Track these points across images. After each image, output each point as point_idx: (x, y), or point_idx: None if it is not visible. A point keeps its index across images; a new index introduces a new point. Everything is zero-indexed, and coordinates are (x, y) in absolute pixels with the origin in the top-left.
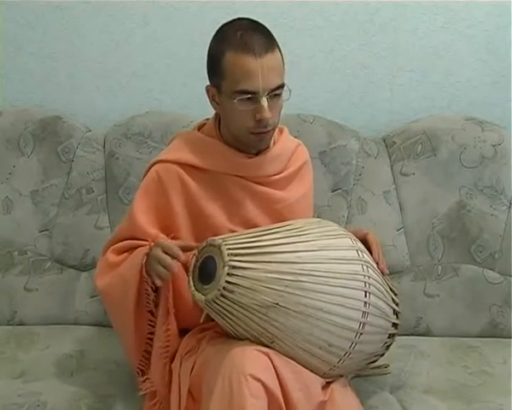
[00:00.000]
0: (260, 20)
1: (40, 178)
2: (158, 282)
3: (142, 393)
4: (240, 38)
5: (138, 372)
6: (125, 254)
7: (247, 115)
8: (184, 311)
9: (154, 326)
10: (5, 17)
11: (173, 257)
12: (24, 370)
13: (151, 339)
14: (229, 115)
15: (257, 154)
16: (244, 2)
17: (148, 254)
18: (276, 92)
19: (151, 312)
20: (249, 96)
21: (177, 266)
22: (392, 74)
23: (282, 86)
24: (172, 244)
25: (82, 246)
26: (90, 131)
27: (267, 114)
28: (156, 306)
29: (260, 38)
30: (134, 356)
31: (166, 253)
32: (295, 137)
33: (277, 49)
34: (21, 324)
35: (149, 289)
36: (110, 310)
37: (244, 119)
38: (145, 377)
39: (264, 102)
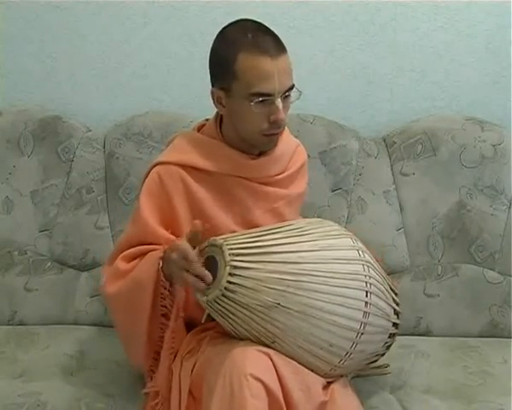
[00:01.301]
0: (260, 20)
1: (40, 178)
2: (184, 285)
3: (145, 391)
4: (252, 40)
5: (150, 375)
6: (136, 261)
7: (261, 117)
8: (188, 306)
9: (165, 330)
10: (5, 17)
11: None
12: (24, 370)
13: (161, 341)
14: (241, 117)
15: (259, 155)
16: (244, 2)
17: (163, 258)
18: (288, 93)
19: (164, 315)
20: (264, 98)
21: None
22: (392, 74)
23: (292, 87)
24: (189, 251)
25: (82, 246)
26: (90, 131)
27: (282, 115)
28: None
29: (272, 40)
30: (144, 359)
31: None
32: (295, 136)
33: (287, 51)
34: (21, 324)
35: (166, 293)
36: (119, 315)
37: (258, 121)
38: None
39: (280, 103)
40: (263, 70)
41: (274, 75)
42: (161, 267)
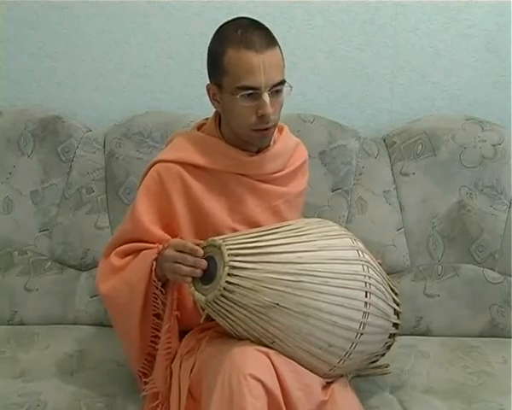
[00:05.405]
0: (260, 20)
1: (40, 178)
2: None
3: (143, 394)
4: (241, 36)
5: (140, 376)
6: (130, 258)
7: (249, 112)
8: (185, 312)
9: (158, 330)
10: (5, 17)
11: (190, 254)
12: (24, 370)
13: (154, 342)
14: (231, 112)
15: (258, 152)
16: (244, 2)
17: (157, 259)
18: (277, 88)
19: (157, 315)
20: (251, 91)
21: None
22: (392, 74)
23: (282, 82)
24: (186, 241)
25: (82, 246)
26: (90, 130)
27: (269, 109)
28: (163, 309)
29: (261, 35)
30: (136, 359)
31: (181, 251)
32: (295, 136)
33: (277, 46)
34: (21, 324)
35: (158, 293)
36: (114, 314)
37: (246, 115)
38: (148, 379)
39: (266, 97)
40: (248, 64)
41: (259, 69)
42: (155, 269)
